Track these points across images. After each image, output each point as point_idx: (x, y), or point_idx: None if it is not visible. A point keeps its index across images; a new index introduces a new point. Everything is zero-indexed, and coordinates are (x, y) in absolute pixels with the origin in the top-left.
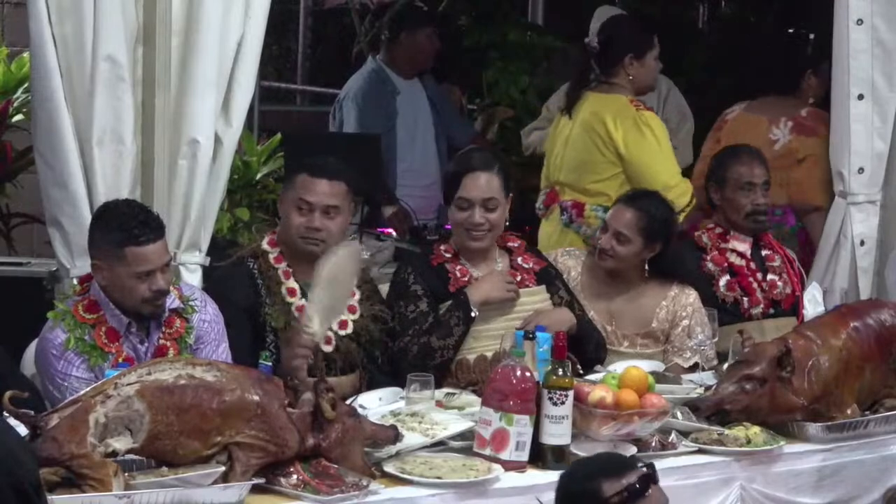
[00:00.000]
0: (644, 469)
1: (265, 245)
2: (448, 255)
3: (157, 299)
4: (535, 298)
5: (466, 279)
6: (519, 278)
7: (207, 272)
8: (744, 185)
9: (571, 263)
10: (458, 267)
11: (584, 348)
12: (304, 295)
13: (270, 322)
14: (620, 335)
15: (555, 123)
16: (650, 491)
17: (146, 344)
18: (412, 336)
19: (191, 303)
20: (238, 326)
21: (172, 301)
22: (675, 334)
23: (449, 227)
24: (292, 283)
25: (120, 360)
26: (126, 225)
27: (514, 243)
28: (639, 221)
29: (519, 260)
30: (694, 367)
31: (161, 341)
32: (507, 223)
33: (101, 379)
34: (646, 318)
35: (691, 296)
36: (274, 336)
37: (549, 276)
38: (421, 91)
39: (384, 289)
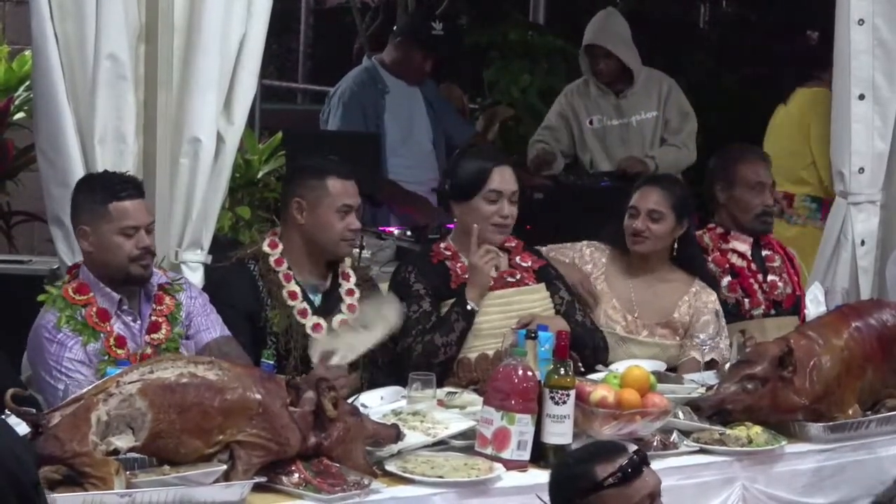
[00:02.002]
0: (635, 453)
1: (266, 247)
2: (448, 253)
3: (145, 258)
4: (535, 297)
5: (467, 276)
6: (518, 276)
7: (208, 271)
8: (755, 185)
9: (598, 255)
10: (459, 264)
11: (580, 354)
12: (304, 297)
13: (271, 326)
14: (640, 324)
15: (774, 116)
16: (642, 473)
17: (139, 322)
18: (415, 336)
19: (177, 282)
20: (238, 329)
21: (160, 277)
22: (695, 328)
23: (450, 225)
24: (293, 287)
25: (112, 339)
26: (108, 183)
27: (512, 243)
28: (668, 198)
29: (517, 259)
30: (711, 364)
31: (153, 318)
32: None
33: (95, 362)
34: (667, 309)
35: (712, 295)
36: (274, 339)
37: (548, 275)
38: (416, 90)
39: (385, 288)
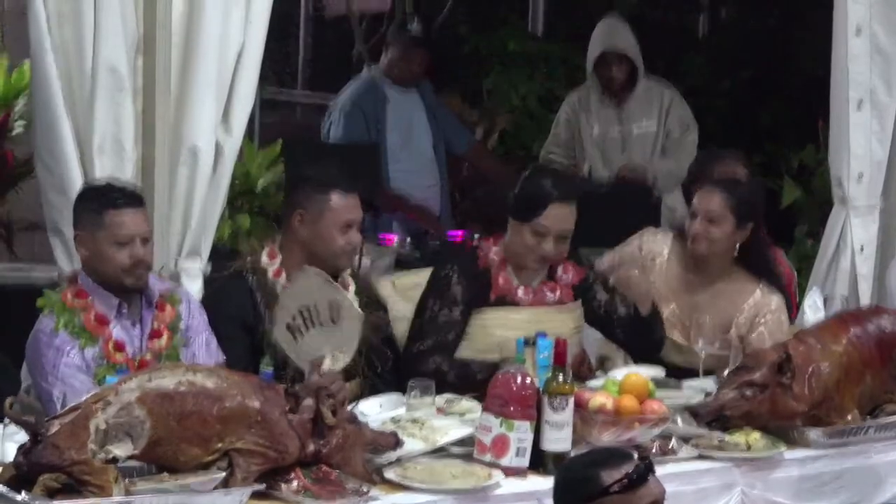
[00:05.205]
0: (641, 459)
1: (264, 258)
2: (496, 260)
3: (138, 269)
4: (566, 316)
5: (507, 288)
6: (557, 294)
7: (206, 281)
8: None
9: (657, 249)
10: (503, 275)
11: (630, 348)
12: None
13: (268, 339)
14: (697, 334)
15: None
16: (648, 481)
17: (138, 327)
18: (433, 348)
19: (176, 293)
20: (235, 340)
21: (159, 283)
22: (750, 338)
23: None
24: None
25: (110, 343)
26: (105, 192)
27: None
28: (728, 201)
29: (559, 271)
30: None
31: (155, 325)
32: None
33: (93, 367)
34: (725, 323)
35: (773, 301)
36: (272, 351)
37: (585, 287)
38: (416, 98)
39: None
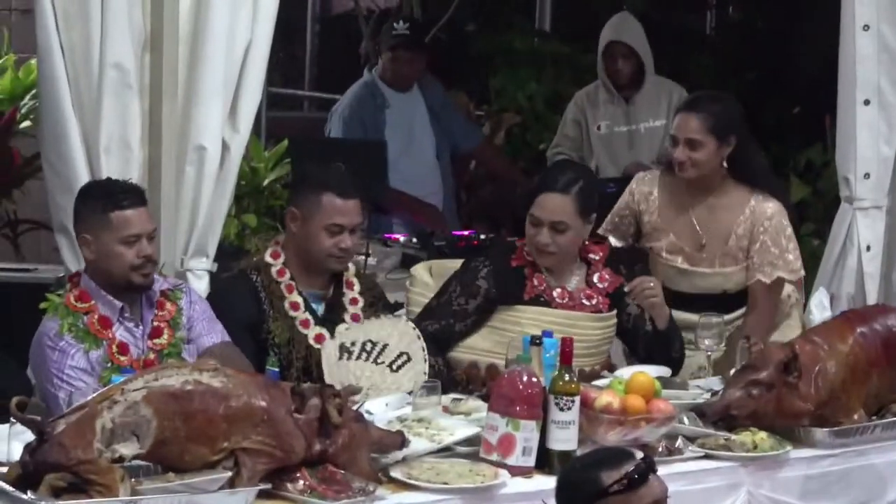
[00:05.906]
0: (643, 460)
1: (268, 258)
2: (530, 259)
3: (146, 266)
4: (600, 325)
5: (542, 288)
6: (595, 301)
7: (213, 279)
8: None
9: (648, 189)
10: (537, 275)
11: (652, 362)
12: (307, 308)
13: (274, 338)
14: (701, 256)
15: None
16: (649, 480)
17: (141, 327)
18: (434, 335)
19: (178, 288)
20: (240, 341)
21: (161, 283)
22: (754, 250)
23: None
24: (295, 297)
25: (114, 346)
26: (109, 192)
27: (595, 255)
28: (706, 122)
29: (595, 278)
30: (779, 282)
31: (155, 323)
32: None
33: (98, 370)
34: (725, 234)
35: (769, 209)
36: (277, 350)
37: (620, 295)
38: (419, 101)
39: (392, 297)
